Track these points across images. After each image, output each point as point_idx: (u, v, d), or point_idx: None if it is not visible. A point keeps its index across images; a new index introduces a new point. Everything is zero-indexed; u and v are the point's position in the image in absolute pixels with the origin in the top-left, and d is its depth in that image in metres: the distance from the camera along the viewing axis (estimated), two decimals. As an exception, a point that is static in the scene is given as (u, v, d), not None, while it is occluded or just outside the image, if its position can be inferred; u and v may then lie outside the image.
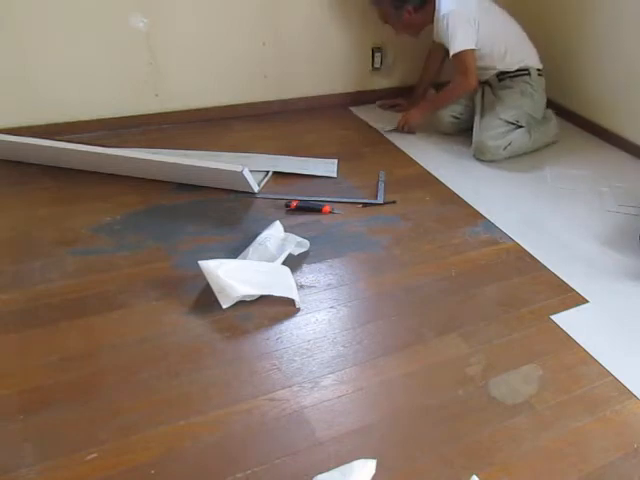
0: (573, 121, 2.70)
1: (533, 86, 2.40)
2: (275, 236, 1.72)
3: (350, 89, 2.85)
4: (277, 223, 1.78)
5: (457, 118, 2.52)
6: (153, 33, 2.35)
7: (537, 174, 2.30)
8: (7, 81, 2.23)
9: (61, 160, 2.12)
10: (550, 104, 2.53)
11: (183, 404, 1.26)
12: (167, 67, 2.44)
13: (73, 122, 2.37)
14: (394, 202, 2.05)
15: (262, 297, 1.54)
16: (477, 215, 2.00)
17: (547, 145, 2.49)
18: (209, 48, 2.48)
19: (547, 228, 1.95)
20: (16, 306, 1.51)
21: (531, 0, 2.78)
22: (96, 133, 2.39)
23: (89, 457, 1.13)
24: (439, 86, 2.62)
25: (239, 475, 1.11)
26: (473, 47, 2.30)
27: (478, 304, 1.59)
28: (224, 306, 1.51)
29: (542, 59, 2.46)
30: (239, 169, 1.93)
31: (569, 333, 1.50)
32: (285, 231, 1.77)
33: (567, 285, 1.68)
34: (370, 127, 2.62)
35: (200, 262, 1.51)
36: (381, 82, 2.92)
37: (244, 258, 1.64)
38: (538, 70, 2.44)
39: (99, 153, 2.01)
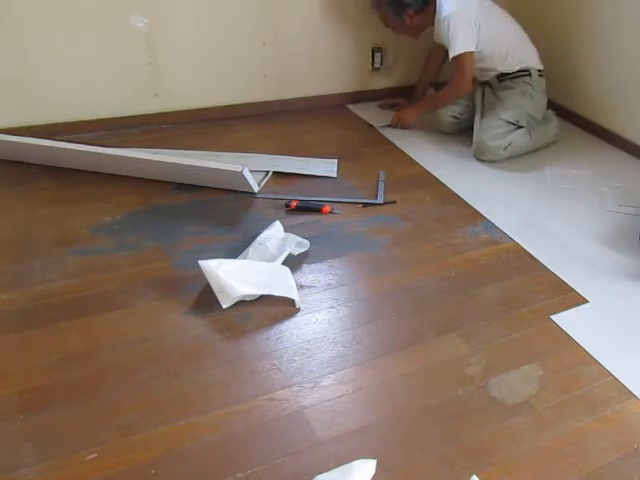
0: (573, 121, 2.70)
1: (534, 87, 2.40)
2: (275, 236, 1.72)
3: (350, 89, 2.85)
4: (277, 223, 1.78)
5: (457, 118, 2.52)
6: (153, 33, 2.35)
7: (537, 174, 2.30)
8: (7, 81, 2.23)
9: (61, 160, 2.12)
10: (550, 104, 2.53)
11: (183, 404, 1.26)
12: (167, 67, 2.44)
13: (73, 122, 2.37)
14: (394, 202, 2.05)
15: (262, 297, 1.54)
16: (477, 215, 2.00)
17: (547, 145, 2.49)
18: (209, 48, 2.48)
19: (547, 228, 1.95)
20: (16, 306, 1.51)
21: (531, 0, 2.78)
22: (96, 133, 2.39)
23: (89, 457, 1.13)
24: (439, 86, 2.62)
25: (239, 475, 1.11)
26: (473, 49, 2.30)
27: (478, 304, 1.59)
28: (224, 306, 1.51)
29: (542, 59, 2.46)
30: (239, 169, 1.93)
31: (569, 333, 1.50)
32: (285, 231, 1.77)
33: (567, 285, 1.68)
34: (370, 127, 2.62)
35: (200, 262, 1.51)
36: (381, 82, 2.92)
37: (244, 258, 1.64)
38: (539, 71, 2.44)
39: (99, 153, 2.01)
